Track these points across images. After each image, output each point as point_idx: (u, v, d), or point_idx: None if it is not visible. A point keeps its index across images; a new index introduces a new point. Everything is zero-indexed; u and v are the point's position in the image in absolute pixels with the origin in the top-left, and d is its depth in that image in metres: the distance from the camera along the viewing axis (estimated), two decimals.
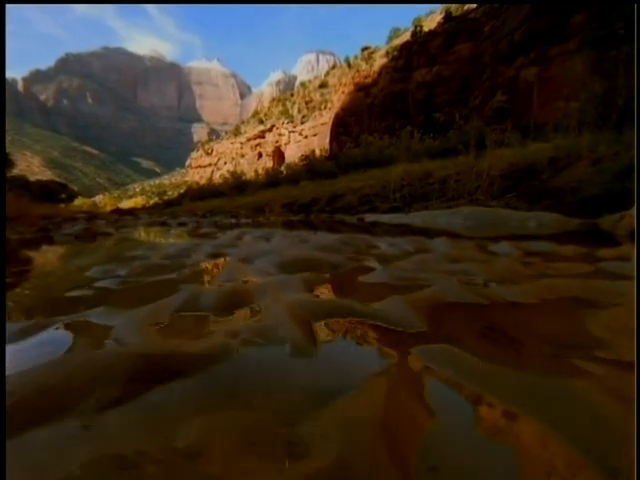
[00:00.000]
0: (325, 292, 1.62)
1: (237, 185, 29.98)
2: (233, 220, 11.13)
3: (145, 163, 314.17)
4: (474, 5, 32.18)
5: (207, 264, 2.44)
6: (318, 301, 1.33)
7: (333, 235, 4.04)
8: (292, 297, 1.33)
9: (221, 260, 2.59)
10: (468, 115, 20.17)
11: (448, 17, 30.42)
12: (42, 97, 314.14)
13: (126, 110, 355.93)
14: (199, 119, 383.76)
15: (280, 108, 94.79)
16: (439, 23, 31.51)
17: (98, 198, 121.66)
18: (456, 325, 1.11)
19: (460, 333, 1.03)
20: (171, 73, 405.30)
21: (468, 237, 3.92)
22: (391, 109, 29.28)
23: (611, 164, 5.22)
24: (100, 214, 19.46)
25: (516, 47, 19.36)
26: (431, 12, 51.57)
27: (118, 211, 23.78)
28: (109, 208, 64.53)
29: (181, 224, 9.57)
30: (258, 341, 0.94)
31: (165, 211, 23.70)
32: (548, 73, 16.98)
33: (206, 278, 2.02)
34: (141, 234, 6.52)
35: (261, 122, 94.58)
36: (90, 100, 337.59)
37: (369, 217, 8.39)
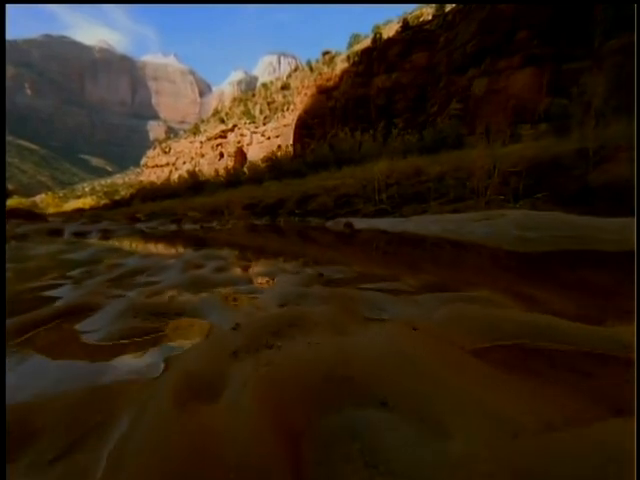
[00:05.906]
0: None
1: (194, 184, 28.73)
2: (173, 226, 9.01)
3: (95, 161, 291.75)
4: (429, 17, 33.75)
5: None
6: None
7: None
8: None
9: None
10: (426, 122, 20.99)
11: (405, 26, 31.57)
12: None
13: (72, 103, 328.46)
14: (155, 116, 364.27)
15: (242, 108, 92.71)
16: (397, 31, 32.61)
17: (39, 198, 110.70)
18: None
19: None
20: (123, 66, 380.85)
21: None
22: (353, 113, 29.73)
23: None
24: None
25: (468, 59, 20.51)
26: (389, 21, 53.28)
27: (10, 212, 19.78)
28: (52, 209, 58.92)
29: (79, 234, 6.94)
30: None
31: (88, 213, 21.48)
32: (497, 84, 18.13)
33: None
34: None
35: (222, 121, 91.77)
36: (29, 91, 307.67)
37: (357, 223, 6.89)
